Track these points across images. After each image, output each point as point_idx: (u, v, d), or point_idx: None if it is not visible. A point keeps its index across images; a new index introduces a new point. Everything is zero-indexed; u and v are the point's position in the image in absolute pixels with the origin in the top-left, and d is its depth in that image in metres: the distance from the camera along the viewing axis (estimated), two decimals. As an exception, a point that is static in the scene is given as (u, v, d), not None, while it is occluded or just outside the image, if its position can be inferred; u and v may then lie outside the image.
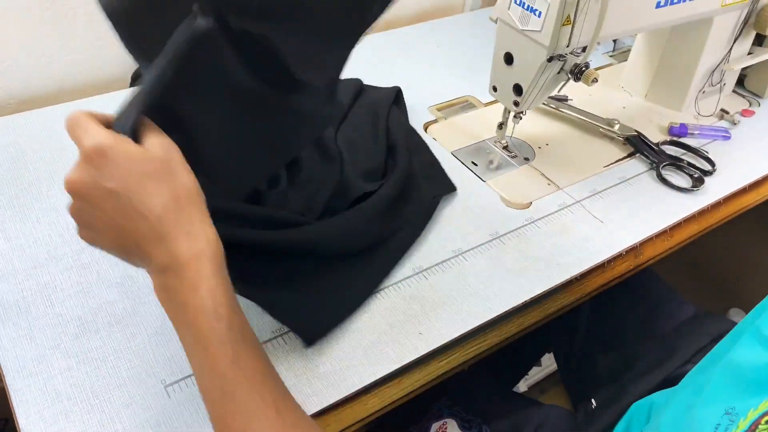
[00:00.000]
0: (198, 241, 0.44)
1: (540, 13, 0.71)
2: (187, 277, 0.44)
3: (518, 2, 0.74)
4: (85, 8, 0.85)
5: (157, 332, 0.60)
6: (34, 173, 0.76)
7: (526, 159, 0.87)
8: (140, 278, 0.65)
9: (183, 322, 0.45)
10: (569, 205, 0.80)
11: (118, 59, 0.92)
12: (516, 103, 0.80)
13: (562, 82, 0.78)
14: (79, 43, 0.88)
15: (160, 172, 0.44)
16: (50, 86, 0.89)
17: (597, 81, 0.74)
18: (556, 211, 0.79)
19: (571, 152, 0.89)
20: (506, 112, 0.84)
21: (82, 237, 0.47)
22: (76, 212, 0.45)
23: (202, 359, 0.44)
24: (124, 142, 0.44)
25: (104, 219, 0.44)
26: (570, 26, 0.71)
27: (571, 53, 0.74)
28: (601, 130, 0.92)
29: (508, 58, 0.78)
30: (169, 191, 0.44)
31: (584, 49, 0.75)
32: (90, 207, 0.44)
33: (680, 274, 1.17)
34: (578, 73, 0.75)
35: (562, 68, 0.76)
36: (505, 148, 0.88)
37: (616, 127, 0.91)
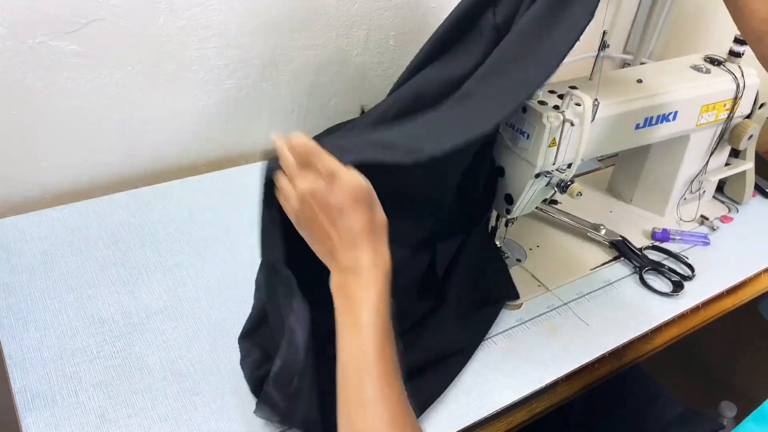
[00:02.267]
0: (379, 258, 0.57)
1: (528, 135, 0.80)
2: (363, 278, 0.55)
3: (509, 124, 0.82)
4: (120, 115, 0.95)
5: (171, 427, 0.65)
6: (64, 267, 0.83)
7: (518, 260, 0.94)
8: (156, 369, 0.71)
9: (348, 311, 0.55)
10: (557, 307, 0.86)
11: (143, 160, 1.01)
12: (507, 211, 0.87)
13: (550, 194, 0.86)
14: (109, 145, 0.97)
15: (367, 201, 0.57)
16: (82, 182, 0.97)
17: (581, 195, 0.82)
18: (545, 312, 0.85)
19: (559, 254, 0.96)
20: (498, 217, 0.91)
21: (298, 228, 0.60)
22: (298, 212, 0.58)
23: (353, 341, 0.54)
24: (351, 172, 0.56)
25: (317, 222, 0.57)
26: (555, 147, 0.79)
27: (557, 170, 0.82)
28: (588, 234, 0.99)
29: (501, 171, 0.86)
30: (369, 217, 0.57)
31: (569, 166, 0.83)
32: (311, 211, 0.57)
33: (670, 368, 1.22)
34: (564, 187, 0.82)
35: (548, 182, 0.83)
36: (498, 249, 0.94)
37: (602, 231, 0.98)
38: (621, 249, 0.96)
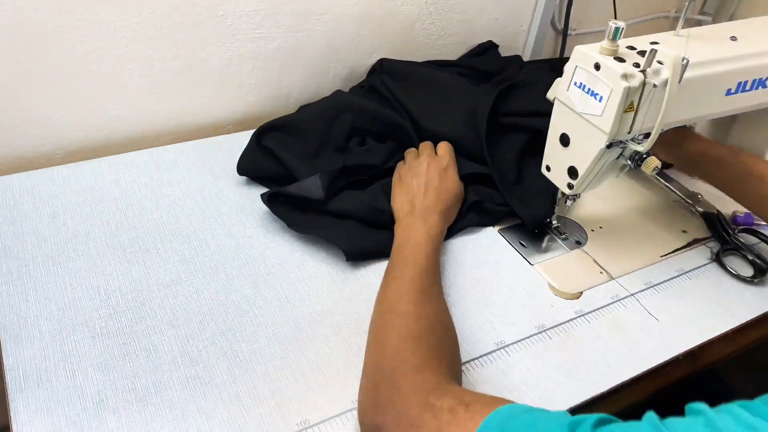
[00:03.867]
0: (443, 220, 0.76)
1: (601, 97, 0.68)
2: (424, 219, 0.74)
3: (578, 84, 0.70)
4: (140, 66, 0.86)
5: (177, 417, 0.57)
6: (72, 230, 0.75)
7: (578, 243, 0.82)
8: (164, 350, 0.63)
9: (406, 238, 0.71)
10: (622, 298, 0.74)
11: (165, 115, 0.92)
12: (570, 186, 0.76)
13: (622, 169, 0.74)
14: (129, 97, 0.88)
15: (459, 196, 0.82)
16: (97, 139, 0.89)
17: (658, 169, 0.70)
18: (608, 305, 0.74)
19: (625, 238, 0.84)
20: (559, 193, 0.80)
21: (400, 178, 0.83)
22: (409, 171, 0.82)
23: (403, 258, 0.68)
24: (454, 173, 0.83)
25: (416, 184, 0.79)
26: (633, 113, 0.67)
27: (632, 140, 0.70)
28: (681, 202, 0.88)
29: (564, 140, 0.74)
30: (445, 205, 0.78)
31: (646, 136, 0.70)
32: (419, 177, 0.80)
33: (753, 373, 1.09)
34: (638, 160, 0.71)
35: (621, 154, 0.72)
36: (556, 229, 0.83)
37: (699, 201, 0.87)
38: (713, 223, 0.84)
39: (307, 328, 0.67)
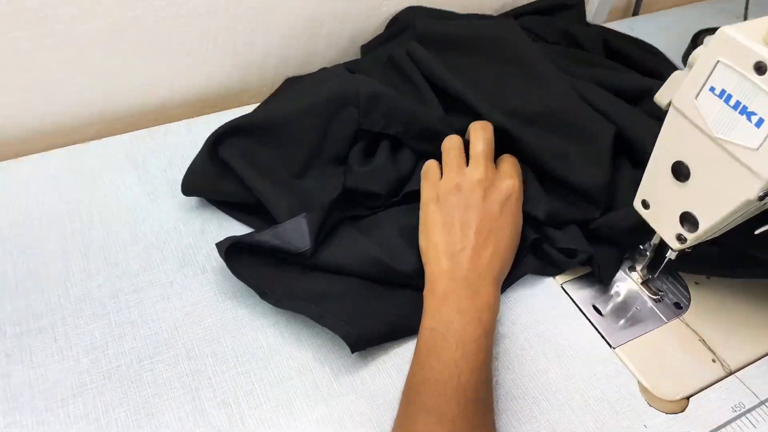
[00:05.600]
0: (498, 288, 0.51)
1: (761, 120, 0.40)
2: (474, 291, 0.48)
3: (719, 92, 0.42)
4: (34, 34, 0.58)
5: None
6: None
7: (678, 306, 0.57)
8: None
9: (445, 323, 0.47)
10: (751, 410, 0.50)
11: (80, 99, 0.66)
12: (681, 239, 0.49)
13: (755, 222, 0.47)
14: (26, 78, 0.61)
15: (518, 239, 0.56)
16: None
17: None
18: (730, 422, 0.49)
19: (749, 298, 0.58)
20: (655, 239, 0.54)
21: (435, 207, 0.54)
22: (452, 195, 0.53)
23: (440, 362, 0.45)
24: (519, 206, 0.55)
25: (463, 222, 0.52)
26: (812, 148, 0.40)
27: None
28: None
29: (680, 172, 0.47)
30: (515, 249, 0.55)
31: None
32: (469, 210, 0.52)
33: None
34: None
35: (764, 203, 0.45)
36: (645, 284, 0.57)
37: None
38: None
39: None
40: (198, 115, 0.68)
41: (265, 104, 0.66)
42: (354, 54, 0.76)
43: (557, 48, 0.73)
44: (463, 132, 0.59)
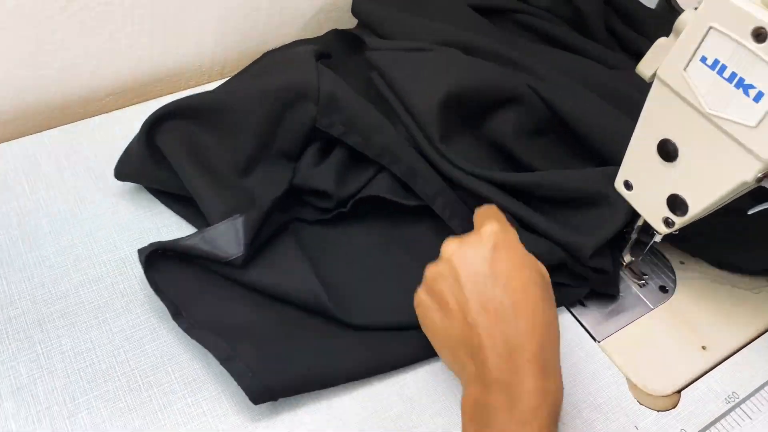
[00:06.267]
0: (549, 382, 0.38)
1: (760, 94, 0.36)
2: (520, 405, 0.36)
3: (711, 64, 0.38)
4: None
5: None
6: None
7: (663, 290, 0.53)
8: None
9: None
10: (745, 399, 0.47)
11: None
12: (668, 223, 0.45)
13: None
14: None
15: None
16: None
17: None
18: (724, 414, 0.46)
19: (737, 276, 0.54)
20: (646, 228, 0.49)
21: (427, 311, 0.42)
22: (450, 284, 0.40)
23: None
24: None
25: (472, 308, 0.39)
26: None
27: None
28: None
29: (668, 151, 0.43)
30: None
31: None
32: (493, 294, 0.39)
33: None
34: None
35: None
36: (629, 267, 0.53)
37: None
38: None
39: None
40: (126, 106, 0.61)
41: (225, 84, 0.60)
42: (301, 28, 0.69)
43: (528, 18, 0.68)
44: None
